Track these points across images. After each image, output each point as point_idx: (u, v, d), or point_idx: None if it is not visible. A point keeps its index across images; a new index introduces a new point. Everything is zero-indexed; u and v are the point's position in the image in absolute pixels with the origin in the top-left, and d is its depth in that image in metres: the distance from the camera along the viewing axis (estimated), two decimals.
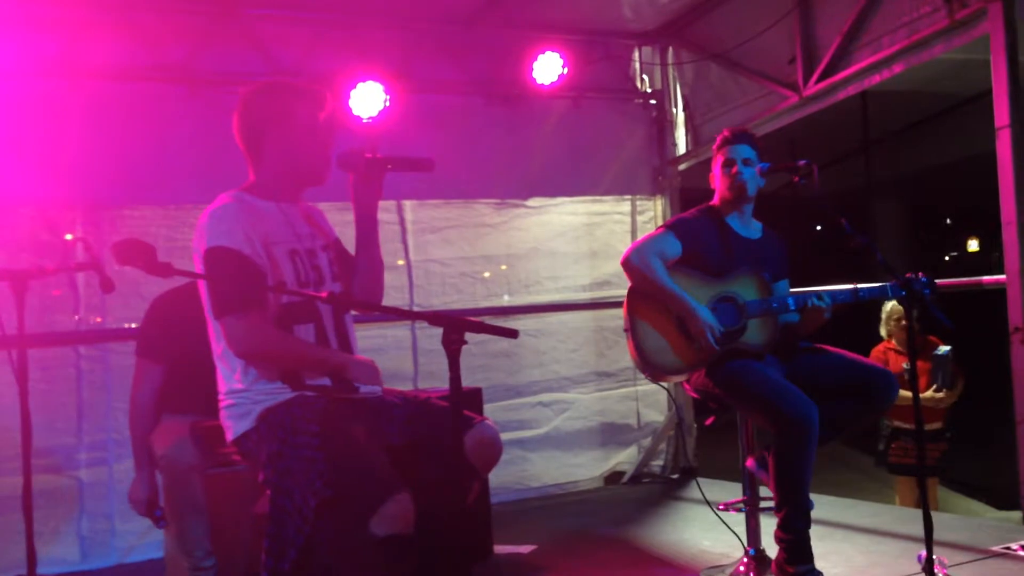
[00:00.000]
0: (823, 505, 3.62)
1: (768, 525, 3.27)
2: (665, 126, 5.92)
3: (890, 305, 5.64)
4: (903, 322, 5.43)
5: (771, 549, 3.26)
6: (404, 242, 5.22)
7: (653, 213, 5.91)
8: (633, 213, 5.88)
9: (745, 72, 5.29)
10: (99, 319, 4.45)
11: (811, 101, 4.86)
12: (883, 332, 5.77)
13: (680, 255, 3.30)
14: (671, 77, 5.92)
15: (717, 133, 3.48)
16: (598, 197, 5.77)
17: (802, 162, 3.19)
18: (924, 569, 2.84)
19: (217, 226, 2.41)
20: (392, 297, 4.89)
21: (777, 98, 5.06)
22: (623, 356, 5.53)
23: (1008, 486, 4.42)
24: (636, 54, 5.89)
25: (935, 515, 2.88)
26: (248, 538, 3.07)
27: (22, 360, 2.82)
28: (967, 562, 3.48)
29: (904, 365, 5.36)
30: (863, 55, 4.50)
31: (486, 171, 5.38)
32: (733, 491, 4.00)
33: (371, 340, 4.92)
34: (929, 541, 2.81)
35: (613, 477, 5.74)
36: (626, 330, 3.32)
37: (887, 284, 3.21)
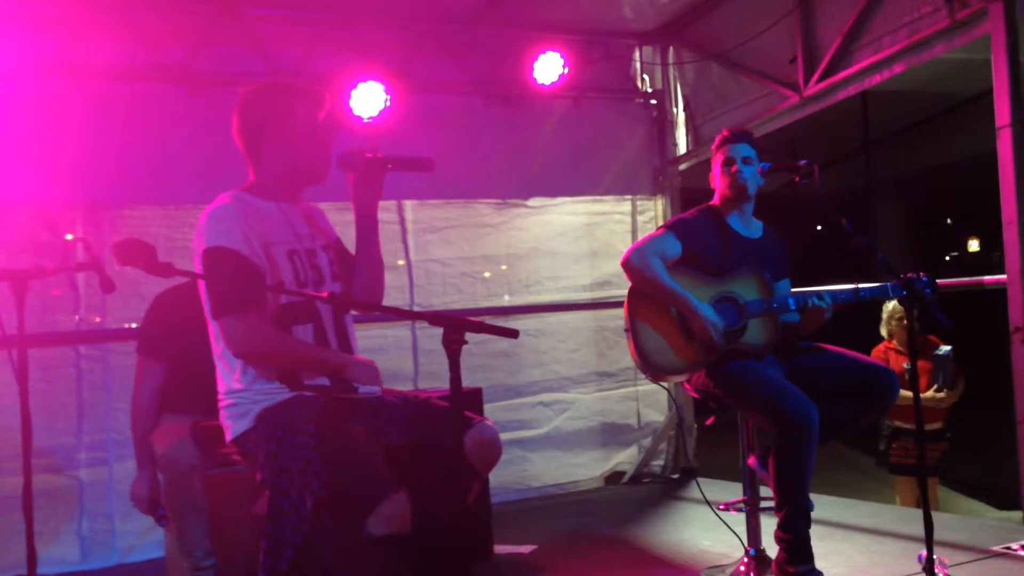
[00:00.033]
0: (823, 505, 3.62)
1: (768, 525, 3.27)
2: (666, 126, 5.91)
3: (891, 305, 5.64)
4: (904, 322, 5.43)
5: (771, 549, 3.26)
6: (404, 242, 5.21)
7: (654, 213, 5.91)
8: (634, 213, 5.88)
9: (746, 72, 5.29)
10: (99, 319, 4.44)
11: (812, 101, 4.86)
12: (884, 332, 5.77)
13: (680, 255, 3.30)
14: (672, 77, 5.92)
15: (718, 133, 3.48)
16: (598, 197, 5.77)
17: (803, 162, 3.20)
18: (924, 569, 2.85)
19: (216, 226, 2.41)
20: (392, 297, 4.89)
21: (778, 98, 5.06)
22: (623, 356, 5.53)
23: (1008, 486, 4.42)
24: (637, 54, 5.89)
25: (935, 515, 2.88)
26: (248, 538, 3.07)
27: (22, 360, 2.82)
28: (967, 562, 3.47)
29: (905, 365, 5.36)
30: (864, 55, 4.49)
31: (486, 171, 5.38)
32: (733, 491, 4.00)
33: (371, 340, 4.92)
34: (929, 541, 2.81)
35: (613, 477, 5.74)
36: (627, 330, 3.32)
37: (888, 284, 3.21)
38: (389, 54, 5.05)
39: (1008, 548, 3.61)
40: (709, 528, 4.15)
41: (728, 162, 3.38)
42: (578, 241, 5.71)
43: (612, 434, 5.74)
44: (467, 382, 2.62)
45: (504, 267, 5.51)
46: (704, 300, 3.24)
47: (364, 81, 4.74)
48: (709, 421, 3.61)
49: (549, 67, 5.21)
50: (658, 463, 5.87)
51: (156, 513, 3.30)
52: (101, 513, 4.38)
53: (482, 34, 5.29)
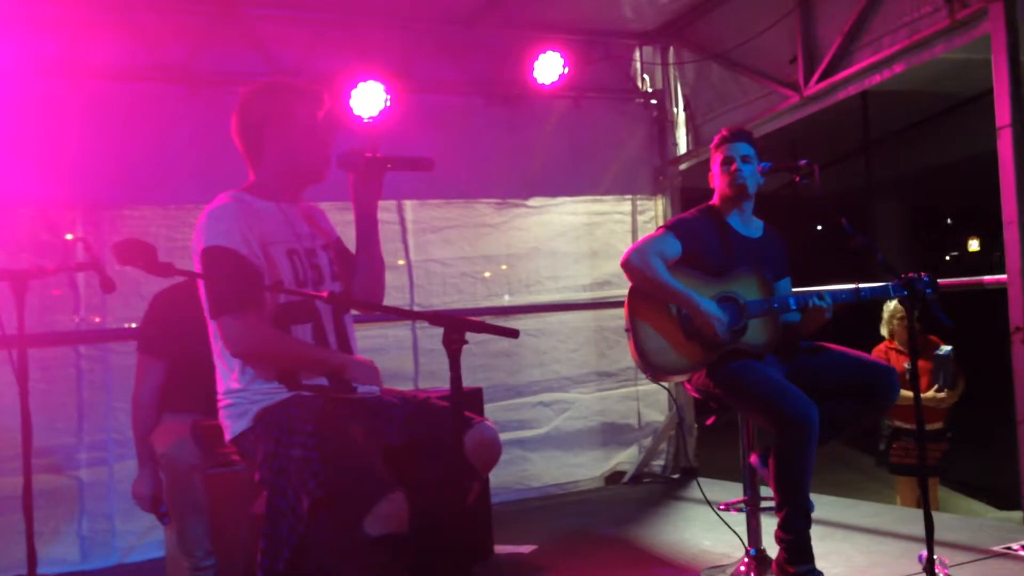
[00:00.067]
0: (824, 505, 3.62)
1: (769, 525, 3.26)
2: (666, 126, 5.91)
3: (892, 304, 5.64)
4: (905, 321, 5.43)
5: (772, 549, 3.26)
6: (404, 242, 5.21)
7: (654, 213, 5.91)
8: (634, 213, 5.88)
9: (746, 72, 5.29)
10: (98, 319, 4.44)
11: (812, 101, 4.86)
12: (884, 332, 5.77)
13: (680, 255, 3.30)
14: (672, 77, 5.91)
15: (717, 133, 3.48)
16: (599, 197, 5.77)
17: (803, 162, 3.20)
18: (925, 569, 2.85)
19: (214, 226, 2.41)
20: (393, 297, 4.89)
21: (778, 98, 5.06)
22: (624, 356, 5.54)
23: (1009, 486, 4.42)
24: (637, 54, 5.89)
25: (936, 515, 2.88)
26: (247, 538, 3.07)
27: (22, 360, 2.82)
28: (968, 562, 3.47)
29: (906, 365, 5.36)
30: (864, 55, 4.49)
31: (486, 171, 5.38)
32: (734, 491, 4.00)
33: (372, 340, 4.92)
34: (930, 541, 2.81)
35: (614, 477, 5.74)
36: (627, 330, 3.32)
37: (889, 284, 3.21)
38: (389, 54, 5.05)
39: (1009, 548, 3.61)
40: (709, 528, 4.15)
41: (727, 161, 3.38)
42: (578, 241, 5.71)
43: (612, 434, 5.74)
44: (467, 382, 2.62)
45: (504, 267, 5.51)
46: None
47: (364, 81, 4.74)
48: (709, 421, 3.61)
49: (549, 67, 5.21)
50: (658, 463, 5.87)
51: (158, 511, 3.30)
52: (101, 513, 4.38)
53: (482, 34, 5.29)
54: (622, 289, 3.44)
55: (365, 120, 4.76)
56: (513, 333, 2.15)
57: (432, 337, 5.10)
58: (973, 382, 5.69)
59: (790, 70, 4.93)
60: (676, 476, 5.79)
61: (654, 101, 5.93)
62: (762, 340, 3.26)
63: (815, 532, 3.13)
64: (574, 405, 5.64)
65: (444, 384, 2.19)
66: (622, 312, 3.37)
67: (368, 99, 4.75)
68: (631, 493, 5.53)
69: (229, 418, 2.45)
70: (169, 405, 3.37)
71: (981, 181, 5.33)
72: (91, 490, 4.37)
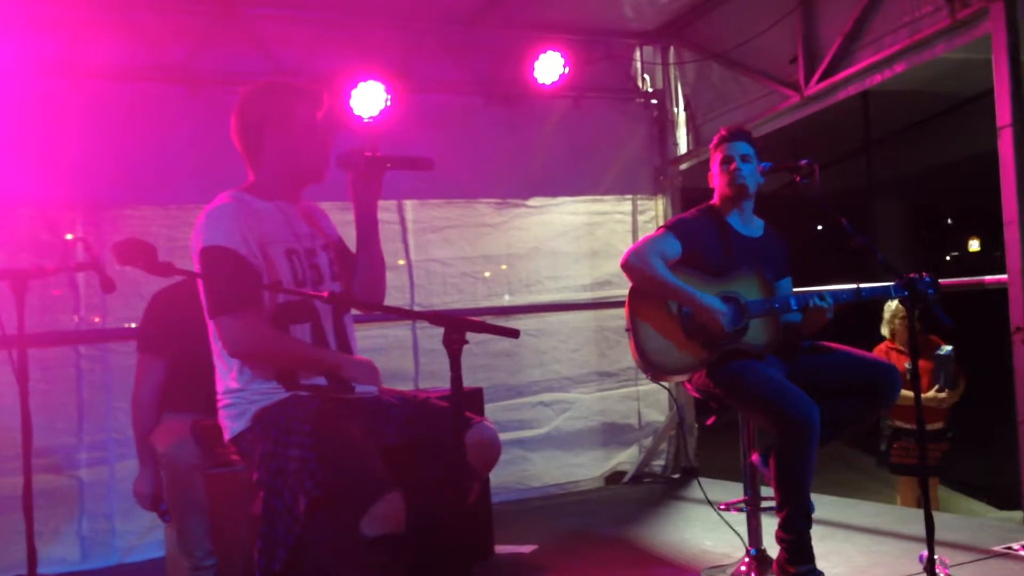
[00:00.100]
0: (824, 505, 3.62)
1: (769, 525, 3.26)
2: (666, 126, 5.91)
3: (893, 304, 5.64)
4: (906, 321, 5.43)
5: (772, 549, 3.26)
6: (405, 242, 5.21)
7: (654, 213, 5.91)
8: (634, 213, 5.88)
9: (746, 72, 5.28)
10: (98, 319, 4.44)
11: (812, 101, 4.85)
12: (885, 332, 5.77)
13: (680, 255, 3.29)
14: (672, 77, 5.91)
15: (717, 133, 3.47)
16: (599, 197, 5.76)
17: (804, 162, 3.20)
18: (926, 569, 2.85)
19: (213, 226, 2.41)
20: (393, 297, 4.89)
21: (778, 98, 5.06)
22: (624, 356, 5.54)
23: (1009, 486, 4.42)
24: (637, 54, 5.89)
25: (936, 515, 2.88)
26: (247, 538, 3.07)
27: (22, 360, 2.82)
28: (968, 562, 3.47)
29: (907, 365, 5.35)
30: (865, 55, 4.49)
31: (487, 171, 5.38)
32: (734, 491, 4.00)
33: (372, 340, 4.92)
34: (931, 541, 2.81)
35: (614, 477, 5.74)
36: (628, 330, 3.32)
37: (890, 284, 3.20)
38: (389, 54, 5.05)
39: (1009, 548, 3.61)
40: (710, 528, 4.15)
41: (727, 160, 3.37)
42: (579, 241, 5.71)
43: (613, 434, 5.74)
44: (468, 382, 2.62)
45: (504, 267, 5.50)
46: None
47: (364, 81, 4.74)
48: (710, 421, 3.61)
49: (549, 67, 5.21)
50: (659, 463, 5.87)
51: (159, 509, 3.30)
52: (101, 513, 4.38)
53: (482, 34, 5.29)
54: (622, 289, 3.44)
55: (365, 120, 4.77)
56: (514, 333, 2.15)
57: (432, 337, 5.10)
58: (973, 382, 5.69)
59: (791, 70, 4.93)
60: (676, 476, 5.79)
61: (654, 101, 5.92)
62: (763, 340, 3.26)
63: (816, 532, 3.13)
64: (575, 405, 5.63)
65: (444, 384, 2.19)
66: (622, 312, 3.37)
67: (368, 99, 4.75)
68: (631, 493, 5.53)
69: (228, 418, 2.45)
70: (169, 405, 3.37)
71: (982, 181, 5.32)
72: (91, 490, 4.37)
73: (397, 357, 5.11)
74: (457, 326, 2.02)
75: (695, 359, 3.25)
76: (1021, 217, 3.77)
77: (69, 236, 4.38)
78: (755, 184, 3.39)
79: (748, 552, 3.42)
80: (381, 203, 2.65)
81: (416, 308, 5.11)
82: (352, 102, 4.74)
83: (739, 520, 3.47)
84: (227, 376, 2.46)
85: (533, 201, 5.57)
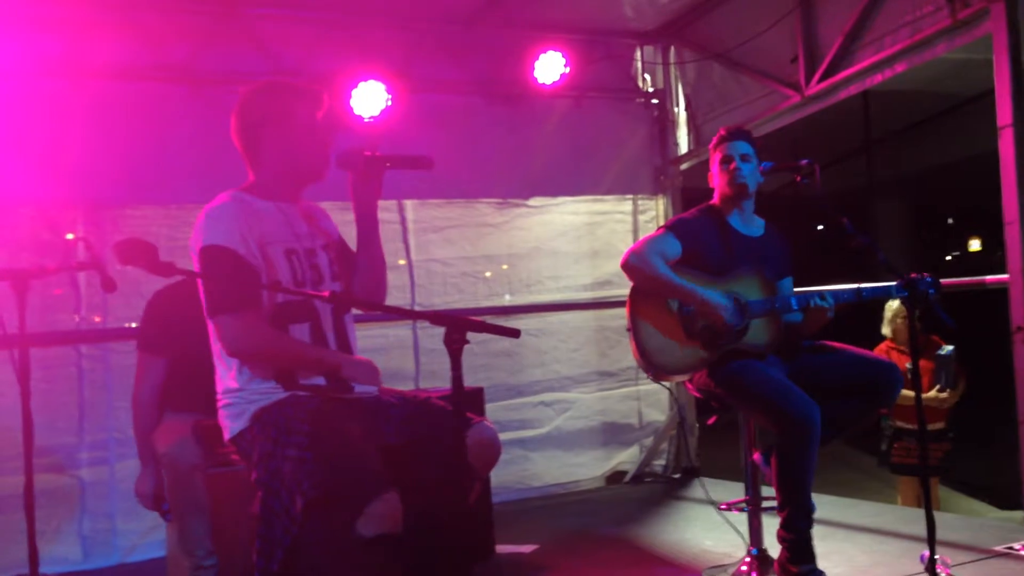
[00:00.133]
0: (825, 505, 3.62)
1: (770, 525, 3.26)
2: (667, 125, 5.91)
3: (895, 304, 5.64)
4: (908, 320, 5.42)
5: (773, 549, 3.26)
6: (405, 242, 5.21)
7: (655, 212, 5.91)
8: (635, 212, 5.88)
9: (747, 71, 5.28)
10: (98, 319, 4.44)
11: (813, 100, 4.85)
12: (886, 331, 5.77)
13: (680, 255, 3.29)
14: (673, 76, 5.92)
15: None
16: (600, 196, 5.77)
17: (804, 161, 3.20)
18: (927, 569, 2.85)
19: (212, 225, 2.41)
20: (394, 297, 4.89)
21: (779, 97, 5.06)
22: (625, 356, 5.55)
23: (1010, 486, 4.42)
24: (638, 53, 5.89)
25: (937, 515, 2.88)
26: (248, 538, 3.07)
27: (24, 359, 2.82)
28: (969, 562, 3.47)
29: (907, 365, 5.35)
30: (865, 54, 4.49)
31: (487, 171, 5.38)
32: (735, 491, 4.00)
33: (373, 340, 4.92)
34: (932, 541, 2.81)
35: (615, 477, 5.74)
36: (628, 330, 3.32)
37: (891, 284, 3.20)
38: (390, 54, 5.05)
39: (1010, 548, 3.61)
40: (711, 528, 4.15)
41: (726, 160, 3.37)
42: (579, 241, 5.71)
43: (613, 434, 5.74)
44: (468, 381, 2.63)
45: (505, 267, 5.51)
46: None
47: (365, 80, 4.75)
48: (711, 421, 3.61)
49: (550, 67, 5.21)
50: (659, 463, 5.87)
51: (161, 509, 3.30)
52: (103, 512, 4.39)
53: (483, 34, 5.29)
54: (623, 289, 3.44)
55: (366, 120, 4.77)
56: (514, 333, 2.15)
57: (433, 337, 5.10)
58: (974, 382, 5.68)
59: (791, 70, 4.93)
60: (677, 476, 5.78)
61: (655, 101, 5.93)
62: (764, 340, 3.26)
63: (817, 532, 3.13)
64: (575, 405, 5.64)
65: (445, 384, 2.19)
66: (623, 312, 3.36)
67: (369, 99, 4.76)
68: (632, 493, 5.53)
69: (227, 418, 2.45)
70: (170, 404, 3.37)
71: (982, 181, 5.32)
72: (92, 489, 4.38)
73: (398, 357, 5.12)
74: (458, 326, 2.02)
75: (696, 359, 3.25)
76: (1022, 217, 3.77)
77: (70, 236, 4.39)
78: (755, 183, 3.39)
79: (749, 552, 3.42)
80: (382, 203, 2.64)
81: (417, 308, 5.11)
82: (353, 102, 4.74)
83: (740, 520, 3.47)
84: (226, 376, 2.46)
85: (534, 201, 5.58)
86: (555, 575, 3.82)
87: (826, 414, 3.03)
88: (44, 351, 4.23)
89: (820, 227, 14.29)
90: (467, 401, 2.42)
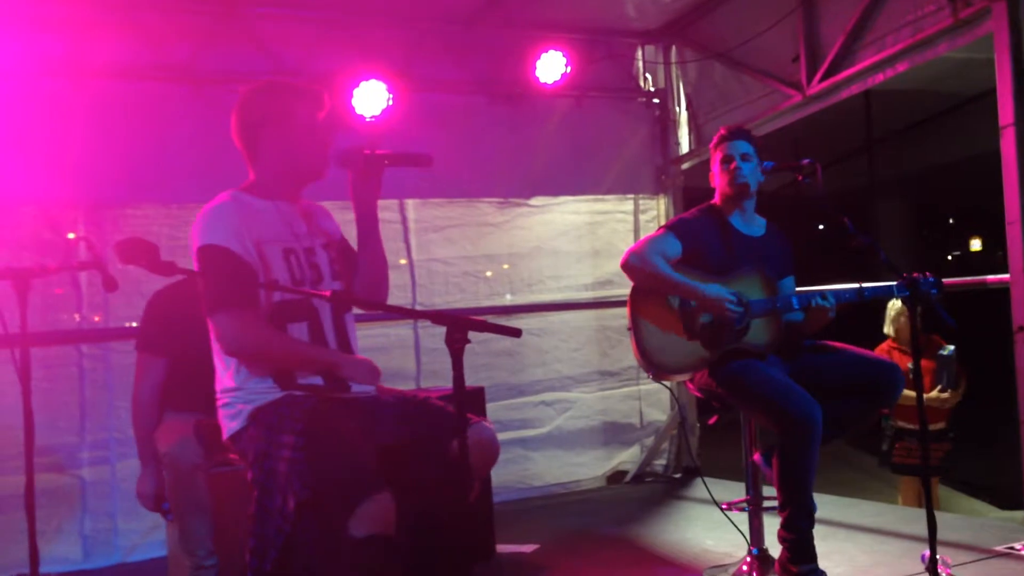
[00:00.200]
0: (826, 504, 3.62)
1: (771, 524, 3.26)
2: (668, 125, 5.91)
3: (897, 303, 5.63)
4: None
5: (774, 548, 3.26)
6: (406, 241, 5.21)
7: (656, 212, 5.91)
8: (636, 212, 5.88)
9: (748, 71, 5.28)
10: (98, 318, 4.45)
11: (814, 100, 4.85)
12: (888, 331, 5.77)
13: (681, 255, 3.29)
14: (674, 76, 5.91)
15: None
16: (601, 196, 5.76)
17: (806, 161, 3.20)
18: (928, 569, 2.84)
19: (208, 225, 2.42)
20: (394, 296, 4.86)
21: (780, 97, 5.06)
22: (626, 355, 5.55)
23: (1011, 486, 4.42)
24: (639, 53, 5.89)
25: (938, 515, 2.87)
26: (248, 538, 3.07)
27: (25, 359, 2.82)
28: (970, 562, 3.47)
29: (909, 364, 5.35)
30: (867, 54, 4.49)
31: (488, 170, 5.38)
32: (736, 491, 3.99)
33: (374, 339, 4.91)
34: (933, 541, 2.81)
35: (616, 476, 5.74)
36: (629, 329, 3.31)
37: (892, 283, 3.20)
38: (391, 53, 5.05)
39: (1011, 548, 3.60)
40: (712, 527, 4.15)
41: (727, 160, 3.37)
42: (580, 240, 5.71)
43: (614, 433, 5.74)
44: (469, 381, 2.62)
45: (506, 266, 5.51)
46: None
47: (366, 80, 4.75)
48: (712, 420, 3.61)
49: (551, 66, 5.21)
50: (660, 462, 5.87)
51: (161, 509, 3.30)
52: (103, 512, 4.39)
53: (484, 33, 5.29)
54: (624, 288, 3.43)
55: (367, 119, 4.77)
56: (515, 332, 2.15)
57: (434, 336, 5.10)
58: (975, 382, 5.68)
59: (792, 69, 4.93)
60: (678, 475, 5.78)
61: (656, 100, 5.92)
62: (765, 339, 3.26)
63: (818, 531, 3.13)
64: (576, 404, 5.64)
65: (446, 383, 2.19)
66: (624, 311, 3.36)
67: (370, 98, 4.76)
68: (633, 492, 5.53)
69: (226, 417, 2.46)
70: (171, 404, 3.37)
71: (983, 180, 5.32)
72: (93, 489, 4.38)
73: (399, 356, 5.12)
74: (459, 325, 2.02)
75: (697, 358, 3.25)
76: (1023, 217, 3.77)
77: (71, 235, 4.39)
78: (756, 183, 3.38)
79: (750, 551, 3.41)
80: (383, 202, 2.64)
81: (418, 307, 5.11)
82: (354, 101, 4.74)
83: (741, 519, 3.47)
84: (225, 375, 2.46)
85: (535, 200, 5.57)
86: (556, 575, 3.82)
87: (827, 414, 3.03)
88: (45, 350, 4.23)
89: (821, 227, 14.29)
90: (468, 400, 2.41)
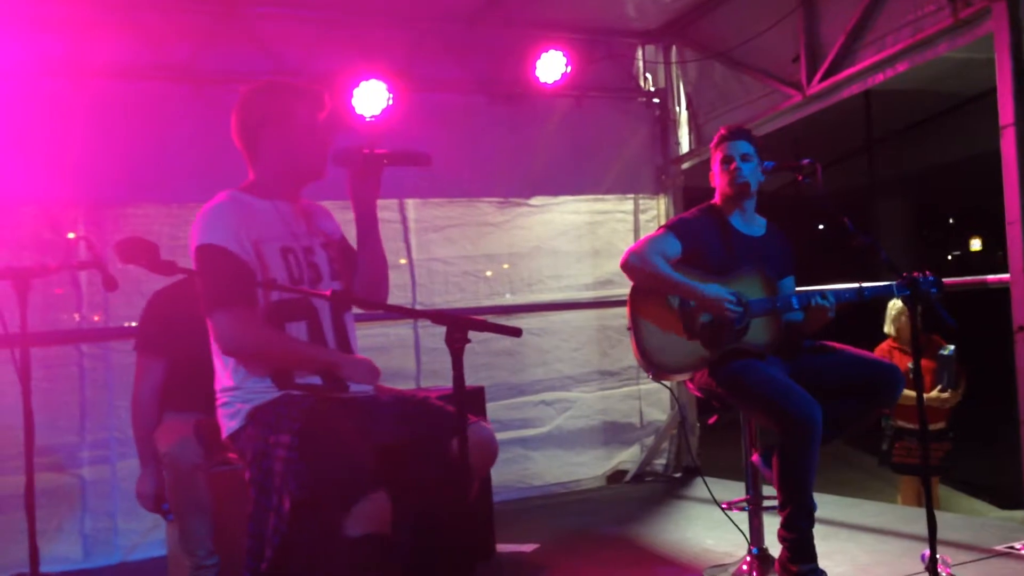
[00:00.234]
0: (827, 504, 3.62)
1: (771, 524, 3.26)
2: (668, 125, 5.91)
3: (898, 303, 5.63)
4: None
5: (774, 548, 3.26)
6: (406, 241, 5.22)
7: (656, 212, 5.91)
8: (636, 212, 5.88)
9: (748, 71, 5.28)
10: (97, 317, 4.45)
11: (814, 100, 4.85)
12: (888, 330, 5.76)
13: (681, 255, 3.29)
14: (674, 76, 5.91)
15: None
16: (601, 196, 5.76)
17: (806, 161, 3.20)
18: (928, 568, 2.85)
19: (206, 224, 2.42)
20: (395, 296, 4.86)
21: (780, 97, 5.06)
22: (626, 355, 5.55)
23: (1011, 485, 4.42)
24: (639, 53, 5.89)
25: (938, 514, 2.87)
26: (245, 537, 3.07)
27: (25, 358, 2.82)
28: (970, 561, 3.47)
29: (909, 364, 5.35)
30: (867, 54, 4.49)
31: (489, 170, 5.38)
32: (736, 490, 3.99)
33: (374, 339, 4.92)
34: (933, 540, 2.81)
35: (616, 476, 5.74)
36: (629, 329, 3.32)
37: (892, 283, 3.20)
38: (391, 53, 5.05)
39: (1011, 548, 3.60)
40: (712, 527, 4.15)
41: (727, 160, 3.37)
42: (580, 240, 5.71)
43: (614, 433, 5.74)
44: (470, 381, 2.61)
45: (506, 266, 5.51)
46: None
47: (367, 80, 4.75)
48: (712, 420, 3.61)
49: (551, 66, 5.21)
50: (660, 462, 5.87)
51: (161, 509, 3.30)
52: (104, 511, 4.39)
53: (484, 33, 5.29)
54: (624, 288, 3.43)
55: (367, 119, 4.77)
56: (516, 332, 2.15)
57: (434, 336, 5.10)
58: (976, 381, 5.68)
59: (793, 69, 4.93)
60: (678, 475, 5.79)
61: (656, 100, 5.92)
62: (764, 339, 3.26)
63: (818, 531, 3.13)
64: (576, 404, 5.64)
65: (446, 383, 2.18)
66: (624, 311, 3.36)
67: (370, 98, 4.76)
68: (633, 492, 5.53)
69: (224, 416, 2.46)
70: (171, 404, 3.37)
71: (984, 180, 5.32)
72: (93, 488, 4.38)
73: (399, 356, 5.12)
74: (459, 325, 2.02)
75: (696, 358, 3.25)
76: (1023, 217, 3.77)
77: (71, 235, 4.39)
78: (756, 183, 3.38)
79: (750, 551, 3.41)
80: (383, 202, 2.64)
81: (418, 307, 5.11)
82: (354, 101, 4.74)
83: (741, 519, 3.47)
84: (224, 374, 2.46)
85: (535, 200, 5.57)
86: (556, 574, 3.82)
87: (827, 414, 3.03)
88: (45, 350, 4.23)
89: (821, 226, 14.30)
90: (468, 400, 2.41)
